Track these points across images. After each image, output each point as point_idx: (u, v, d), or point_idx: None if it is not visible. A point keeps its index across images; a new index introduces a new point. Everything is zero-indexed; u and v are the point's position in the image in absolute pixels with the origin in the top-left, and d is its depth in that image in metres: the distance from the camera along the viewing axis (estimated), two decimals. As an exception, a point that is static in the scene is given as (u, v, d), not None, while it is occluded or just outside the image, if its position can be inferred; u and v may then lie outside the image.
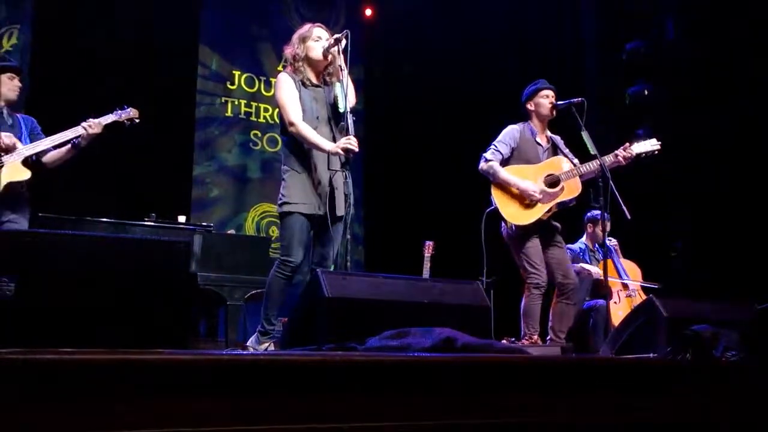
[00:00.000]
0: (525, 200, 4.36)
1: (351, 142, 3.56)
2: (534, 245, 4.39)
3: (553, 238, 4.48)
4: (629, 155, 4.38)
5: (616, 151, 4.39)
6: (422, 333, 2.47)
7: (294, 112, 3.69)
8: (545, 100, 4.52)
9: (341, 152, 3.59)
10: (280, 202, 3.71)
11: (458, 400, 1.79)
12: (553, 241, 4.47)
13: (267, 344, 3.58)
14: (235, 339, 4.81)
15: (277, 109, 4.80)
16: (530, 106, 4.59)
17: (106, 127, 4.16)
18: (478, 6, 7.82)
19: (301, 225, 3.64)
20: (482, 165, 4.46)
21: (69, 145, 4.10)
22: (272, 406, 1.57)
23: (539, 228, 4.41)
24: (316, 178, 3.69)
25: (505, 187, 4.40)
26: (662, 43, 6.59)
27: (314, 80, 3.83)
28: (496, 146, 4.48)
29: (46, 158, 4.14)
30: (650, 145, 4.46)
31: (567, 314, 4.46)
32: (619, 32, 6.86)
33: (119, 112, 4.24)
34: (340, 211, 3.69)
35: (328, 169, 3.68)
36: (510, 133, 4.53)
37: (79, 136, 4.06)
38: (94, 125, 4.08)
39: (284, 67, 3.95)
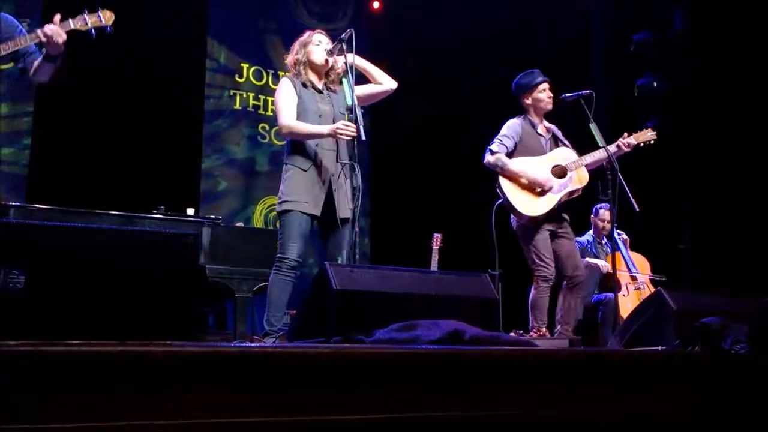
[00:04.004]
0: (535, 190, 4.35)
1: (345, 123, 3.52)
2: (543, 237, 4.37)
3: (563, 229, 4.46)
4: (629, 144, 4.48)
5: (617, 142, 4.47)
6: (430, 325, 2.47)
7: (286, 115, 3.67)
8: (543, 94, 4.50)
9: (337, 132, 3.52)
10: (280, 200, 3.70)
11: (466, 393, 1.79)
12: (562, 233, 4.44)
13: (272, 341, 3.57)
14: (244, 331, 4.82)
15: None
16: (527, 100, 4.54)
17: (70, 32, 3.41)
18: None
19: (299, 222, 3.62)
20: (488, 158, 4.40)
21: (42, 59, 3.49)
22: (279, 398, 1.57)
23: (549, 219, 4.40)
24: (320, 177, 3.66)
25: (513, 178, 4.39)
26: (670, 34, 6.55)
27: (317, 83, 3.81)
28: (500, 140, 4.43)
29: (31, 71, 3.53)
30: (647, 135, 4.56)
31: (574, 307, 4.46)
32: (627, 23, 6.82)
33: (85, 16, 3.47)
34: (345, 213, 3.66)
35: (338, 161, 3.67)
36: (513, 127, 4.50)
37: (43, 45, 3.38)
38: (53, 31, 3.34)
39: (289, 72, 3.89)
